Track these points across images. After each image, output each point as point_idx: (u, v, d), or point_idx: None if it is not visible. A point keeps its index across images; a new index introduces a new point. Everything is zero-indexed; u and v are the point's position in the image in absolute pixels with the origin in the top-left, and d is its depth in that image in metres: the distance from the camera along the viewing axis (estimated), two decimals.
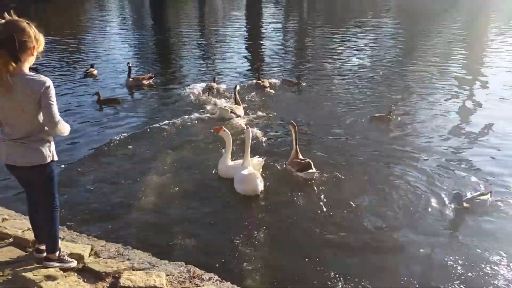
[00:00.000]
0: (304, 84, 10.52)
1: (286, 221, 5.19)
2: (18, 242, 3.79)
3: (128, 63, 10.91)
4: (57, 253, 3.44)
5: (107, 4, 34.81)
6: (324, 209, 5.36)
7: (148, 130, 7.97)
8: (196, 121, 8.46)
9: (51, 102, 3.04)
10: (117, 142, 7.41)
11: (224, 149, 6.43)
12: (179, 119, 8.41)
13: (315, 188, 5.89)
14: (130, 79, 10.57)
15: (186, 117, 8.53)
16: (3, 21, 2.92)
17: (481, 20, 22.88)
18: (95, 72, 11.72)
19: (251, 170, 5.76)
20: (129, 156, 6.96)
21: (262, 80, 10.78)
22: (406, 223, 5.15)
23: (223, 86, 10.69)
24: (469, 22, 21.50)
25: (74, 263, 3.51)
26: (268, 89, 10.49)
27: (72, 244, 3.85)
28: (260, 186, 5.76)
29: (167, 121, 8.26)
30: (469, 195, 5.52)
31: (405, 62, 13.40)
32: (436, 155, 6.96)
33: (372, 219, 5.19)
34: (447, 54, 14.29)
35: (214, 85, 10.47)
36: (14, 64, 2.91)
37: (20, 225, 4.06)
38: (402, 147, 7.32)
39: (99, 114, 9.05)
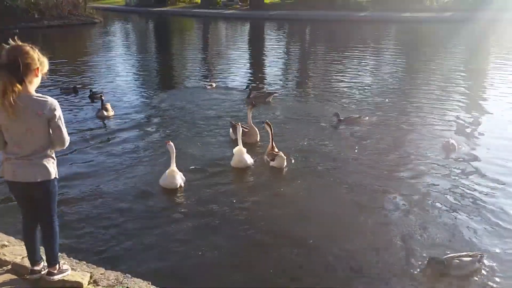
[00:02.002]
0: (366, 119, 9.70)
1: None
2: (17, 269, 3.75)
3: (101, 95, 10.74)
4: (57, 266, 3.58)
5: (112, 31, 35.44)
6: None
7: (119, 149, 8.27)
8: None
9: (61, 123, 3.27)
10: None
11: None
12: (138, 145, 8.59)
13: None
14: (103, 111, 10.21)
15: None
16: (7, 46, 3.10)
17: (484, 45, 23.10)
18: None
19: (239, 148, 7.16)
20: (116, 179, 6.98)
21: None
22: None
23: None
24: (472, 47, 21.73)
25: (69, 269, 3.71)
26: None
27: (71, 271, 3.81)
28: (248, 161, 7.17)
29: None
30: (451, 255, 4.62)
31: (410, 87, 13.40)
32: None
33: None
34: (451, 79, 14.29)
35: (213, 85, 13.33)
36: (19, 86, 3.06)
37: (19, 251, 4.03)
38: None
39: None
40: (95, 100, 11.63)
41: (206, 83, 14.20)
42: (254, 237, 5.32)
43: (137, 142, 8.73)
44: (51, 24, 34.54)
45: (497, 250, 4.92)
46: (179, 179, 6.59)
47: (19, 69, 3.05)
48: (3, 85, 3.01)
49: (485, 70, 16.59)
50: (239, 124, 7.63)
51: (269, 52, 22.69)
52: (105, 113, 10.08)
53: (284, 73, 17.05)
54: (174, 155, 6.70)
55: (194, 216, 5.77)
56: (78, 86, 13.19)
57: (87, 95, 12.18)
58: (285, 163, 7.15)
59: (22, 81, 3.09)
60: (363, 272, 4.66)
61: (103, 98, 10.53)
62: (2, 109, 3.06)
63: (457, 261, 4.51)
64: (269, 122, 7.64)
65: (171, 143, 6.78)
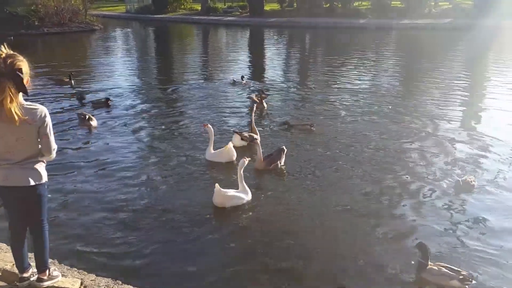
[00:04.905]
0: (313, 128, 9.60)
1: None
2: (6, 276, 3.74)
3: (86, 106, 10.52)
4: (47, 271, 3.60)
5: (112, 37, 35.53)
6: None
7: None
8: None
9: (49, 131, 3.31)
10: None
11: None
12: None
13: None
14: (90, 121, 9.93)
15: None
16: (3, 55, 3.08)
17: (483, 51, 23.08)
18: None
19: (228, 147, 7.80)
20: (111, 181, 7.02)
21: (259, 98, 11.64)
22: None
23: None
24: (471, 54, 21.78)
25: (59, 275, 3.73)
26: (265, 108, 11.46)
27: (62, 278, 3.80)
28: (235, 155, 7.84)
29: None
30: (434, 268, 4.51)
31: (410, 95, 13.32)
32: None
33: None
34: (451, 86, 14.26)
35: (243, 81, 14.56)
36: (18, 95, 3.12)
37: (9, 258, 4.01)
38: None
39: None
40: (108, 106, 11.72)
41: (236, 77, 15.21)
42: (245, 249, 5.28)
43: (133, 147, 8.75)
44: (51, 31, 34.63)
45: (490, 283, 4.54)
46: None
47: (22, 80, 3.09)
48: (5, 94, 3.03)
49: (485, 77, 16.52)
50: (208, 124, 8.09)
51: (269, 58, 22.90)
52: (92, 123, 9.94)
53: (283, 79, 16.95)
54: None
55: (190, 222, 5.76)
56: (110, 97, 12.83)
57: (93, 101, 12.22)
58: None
59: (26, 91, 3.14)
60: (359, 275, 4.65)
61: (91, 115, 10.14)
62: None
63: (435, 268, 4.47)
64: (257, 142, 7.80)
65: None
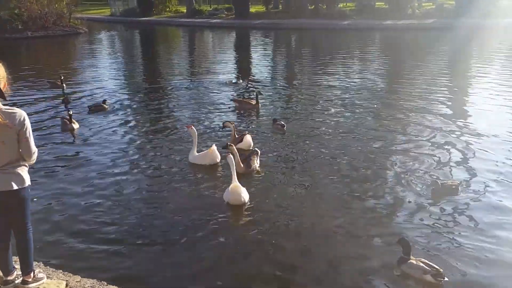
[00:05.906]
0: (285, 128, 9.60)
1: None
2: None
3: (69, 110, 10.58)
4: (32, 273, 3.65)
5: (97, 40, 35.30)
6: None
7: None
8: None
9: (29, 135, 3.34)
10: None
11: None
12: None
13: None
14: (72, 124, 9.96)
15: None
16: None
17: (465, 51, 23.40)
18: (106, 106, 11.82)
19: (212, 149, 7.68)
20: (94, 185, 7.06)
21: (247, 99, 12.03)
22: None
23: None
24: (453, 54, 22.10)
25: (44, 277, 3.77)
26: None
27: (47, 280, 3.84)
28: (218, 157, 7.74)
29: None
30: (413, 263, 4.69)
31: (396, 94, 13.46)
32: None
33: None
34: (435, 84, 14.48)
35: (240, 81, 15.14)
36: None
37: None
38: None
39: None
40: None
41: (232, 77, 16.01)
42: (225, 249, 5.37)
43: (118, 149, 8.75)
44: (35, 34, 34.32)
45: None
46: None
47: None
48: None
49: (467, 76, 16.70)
50: (192, 126, 8.08)
51: (256, 59, 23.01)
52: (74, 126, 9.95)
53: (270, 79, 17.04)
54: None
55: (173, 224, 5.83)
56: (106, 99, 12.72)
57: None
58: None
59: (3, 95, 3.18)
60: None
61: (71, 113, 10.09)
62: None
63: (413, 261, 4.68)
64: (233, 147, 7.47)
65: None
